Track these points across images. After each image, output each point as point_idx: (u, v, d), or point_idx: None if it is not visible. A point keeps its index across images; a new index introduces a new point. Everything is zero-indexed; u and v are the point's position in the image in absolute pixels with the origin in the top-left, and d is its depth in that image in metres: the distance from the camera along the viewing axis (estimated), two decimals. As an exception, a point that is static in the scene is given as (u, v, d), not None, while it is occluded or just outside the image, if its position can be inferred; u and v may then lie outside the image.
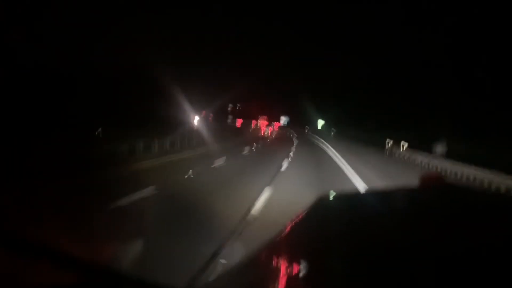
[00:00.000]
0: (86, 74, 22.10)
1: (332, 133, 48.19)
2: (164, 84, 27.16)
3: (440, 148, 18.83)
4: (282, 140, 35.44)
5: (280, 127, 73.80)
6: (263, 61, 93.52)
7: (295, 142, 32.47)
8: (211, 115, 52.11)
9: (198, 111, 36.45)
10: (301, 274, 0.83)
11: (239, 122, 67.74)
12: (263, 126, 65.08)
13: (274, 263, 0.98)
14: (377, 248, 0.88)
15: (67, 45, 21.25)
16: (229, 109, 76.08)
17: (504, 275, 0.69)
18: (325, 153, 22.70)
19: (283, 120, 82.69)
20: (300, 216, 1.26)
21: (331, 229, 1.11)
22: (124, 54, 25.54)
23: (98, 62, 23.20)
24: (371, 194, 1.92)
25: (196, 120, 33.23)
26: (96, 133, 16.72)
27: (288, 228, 1.19)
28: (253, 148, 22.73)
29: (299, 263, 0.89)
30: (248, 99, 75.63)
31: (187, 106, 30.29)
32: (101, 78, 23.24)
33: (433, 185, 1.40)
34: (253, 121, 69.90)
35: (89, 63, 22.60)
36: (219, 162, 13.61)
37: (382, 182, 10.61)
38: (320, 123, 64.88)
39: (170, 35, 41.28)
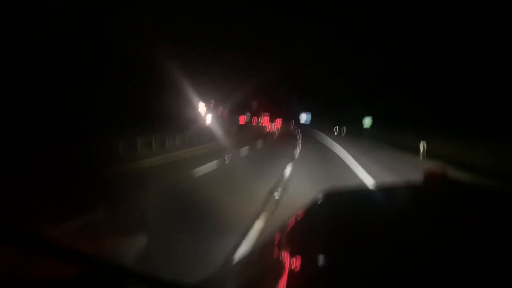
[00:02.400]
0: (99, 73, 21.99)
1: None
2: (184, 86, 29.91)
3: None
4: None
5: (287, 126, 72.55)
6: (282, 54, 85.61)
7: None
8: (226, 112, 53.01)
9: (213, 109, 39.57)
10: (303, 270, 0.83)
11: (241, 119, 68.73)
12: (266, 123, 66.66)
13: (276, 258, 0.99)
14: (380, 243, 0.89)
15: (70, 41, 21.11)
16: (255, 106, 70.95)
17: (507, 270, 0.71)
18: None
19: (304, 117, 67.23)
20: (303, 212, 1.29)
21: (333, 224, 1.12)
22: (140, 53, 26.95)
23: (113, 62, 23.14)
24: (374, 189, 1.94)
25: (211, 116, 36.19)
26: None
27: (291, 223, 1.21)
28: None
29: (302, 259, 0.89)
30: (265, 95, 71.66)
31: (204, 104, 33.30)
32: (124, 77, 24.77)
33: (437, 181, 1.39)
34: (254, 118, 70.22)
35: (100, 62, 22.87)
36: (244, 152, 16.97)
37: None
38: (367, 122, 35.61)
39: (183, 32, 42.25)
